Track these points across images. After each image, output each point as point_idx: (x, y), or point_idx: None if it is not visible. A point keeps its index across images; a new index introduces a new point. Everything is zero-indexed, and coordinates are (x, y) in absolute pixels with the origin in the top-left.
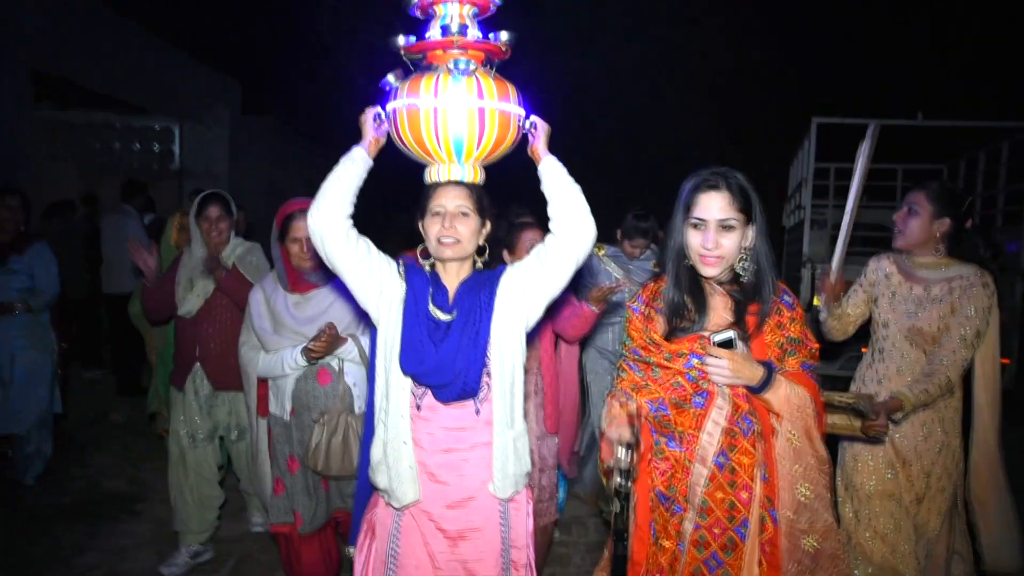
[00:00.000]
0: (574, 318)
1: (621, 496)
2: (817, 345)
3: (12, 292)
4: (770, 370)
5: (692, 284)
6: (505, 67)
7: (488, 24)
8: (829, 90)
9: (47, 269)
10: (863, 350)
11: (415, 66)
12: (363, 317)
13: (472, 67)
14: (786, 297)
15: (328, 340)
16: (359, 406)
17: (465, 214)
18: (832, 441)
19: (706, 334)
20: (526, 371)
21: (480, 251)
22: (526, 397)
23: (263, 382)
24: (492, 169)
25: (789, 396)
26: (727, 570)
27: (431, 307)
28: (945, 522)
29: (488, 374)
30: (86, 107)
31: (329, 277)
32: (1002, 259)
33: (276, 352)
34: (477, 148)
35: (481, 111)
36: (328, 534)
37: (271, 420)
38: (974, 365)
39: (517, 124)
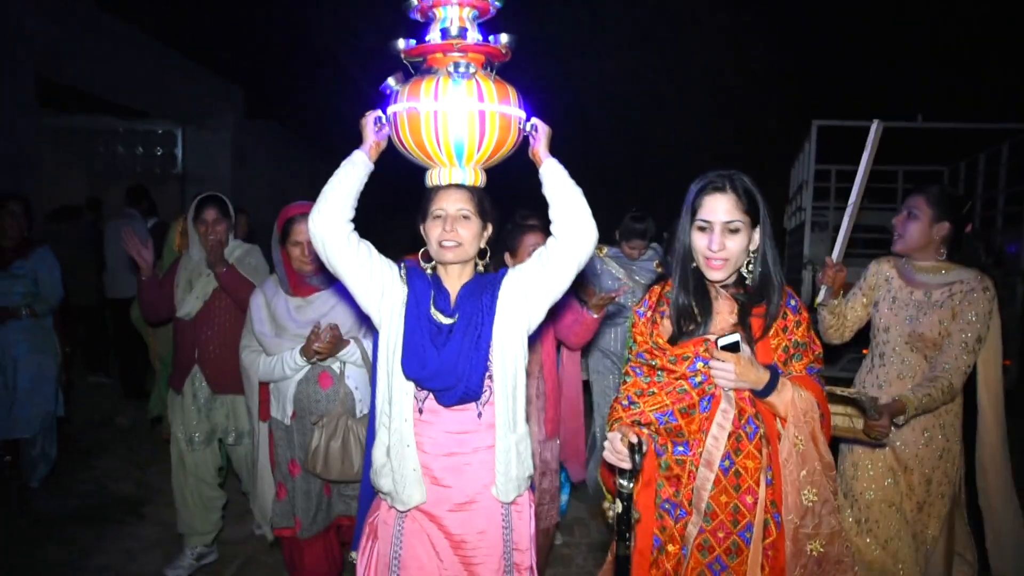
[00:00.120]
0: (576, 326)
1: (623, 497)
2: (822, 349)
3: (16, 297)
4: (775, 374)
5: (697, 287)
6: (506, 69)
7: (488, 27)
8: (829, 93)
9: (51, 273)
10: (864, 352)
11: (415, 69)
12: (365, 320)
13: (472, 70)
14: (791, 301)
15: (332, 340)
16: (361, 409)
17: (466, 217)
18: (832, 447)
19: (711, 338)
20: (528, 375)
21: (482, 254)
22: (528, 401)
23: (264, 386)
24: (494, 172)
25: (795, 400)
26: (731, 574)
27: (433, 310)
28: (944, 526)
29: (490, 377)
30: (89, 112)
31: (330, 280)
32: (1004, 263)
33: (277, 355)
34: (478, 151)
35: (481, 114)
36: (331, 537)
37: (272, 424)
38: (976, 369)
39: (518, 127)
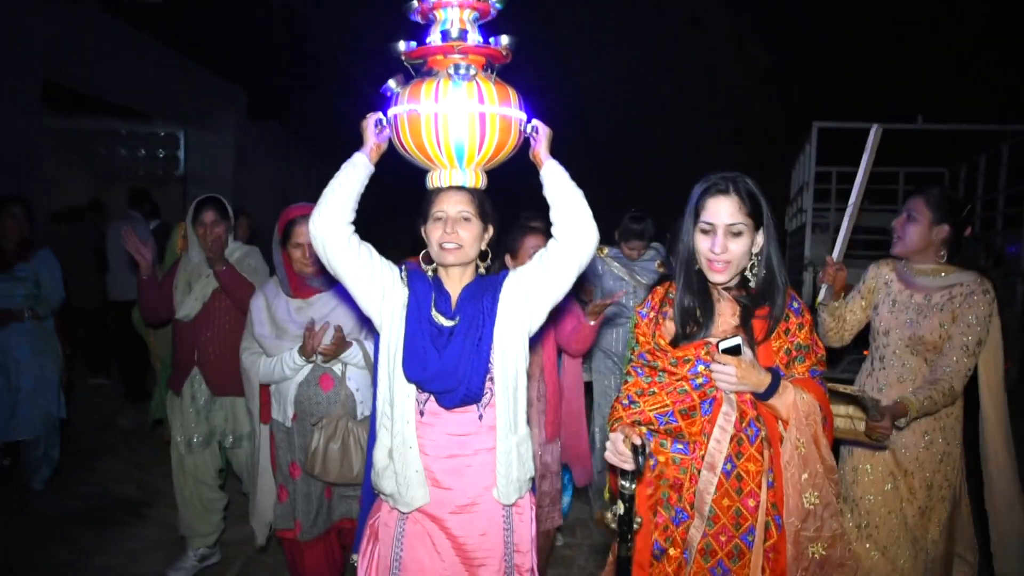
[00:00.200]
0: (575, 334)
1: (625, 498)
2: (825, 351)
3: (18, 299)
4: (777, 376)
5: (700, 289)
6: (507, 71)
7: (489, 29)
8: (830, 94)
9: (52, 275)
10: (864, 353)
11: (416, 71)
12: (366, 322)
13: (473, 72)
14: (794, 303)
15: (336, 342)
16: (362, 411)
17: (467, 219)
18: (832, 450)
19: (712, 340)
20: (528, 377)
21: (483, 256)
22: (528, 404)
23: (265, 388)
24: (495, 174)
25: (796, 403)
26: None
27: (434, 313)
28: (944, 530)
29: (491, 379)
30: (91, 113)
31: (331, 282)
32: (1004, 265)
33: (277, 356)
34: (478, 153)
35: (482, 116)
36: (332, 540)
37: (273, 426)
38: (978, 371)
39: (518, 128)
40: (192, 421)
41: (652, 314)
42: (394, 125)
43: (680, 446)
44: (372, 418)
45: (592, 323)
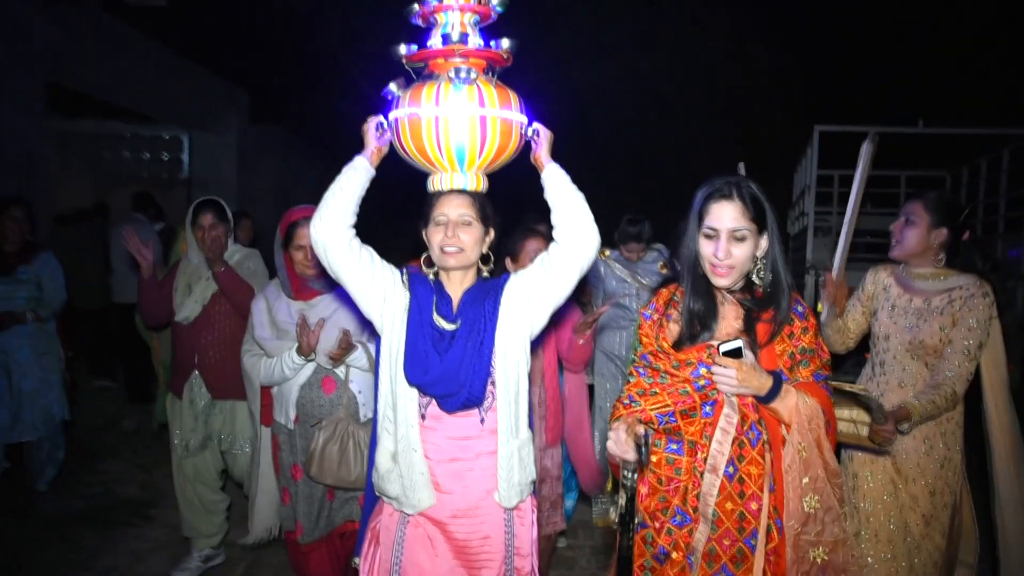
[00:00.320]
0: (570, 351)
1: (627, 489)
2: (829, 355)
3: (20, 301)
4: (779, 380)
5: (704, 292)
6: (509, 74)
7: (490, 32)
8: (832, 98)
9: (54, 278)
10: (866, 356)
11: (417, 75)
12: (368, 324)
13: (473, 75)
14: (798, 307)
15: (344, 346)
16: (364, 413)
17: (468, 223)
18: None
19: (714, 343)
20: (529, 381)
21: (485, 259)
22: (530, 408)
23: (267, 390)
24: (496, 177)
25: (799, 406)
26: None
27: (435, 316)
28: (948, 537)
29: (493, 383)
30: (95, 117)
31: (333, 284)
32: (1001, 268)
33: (277, 357)
34: (479, 156)
35: (483, 119)
36: (337, 543)
37: (276, 428)
38: (981, 375)
39: (519, 132)
40: (190, 424)
41: (656, 316)
42: (395, 128)
43: (674, 446)
44: (374, 421)
45: (581, 342)
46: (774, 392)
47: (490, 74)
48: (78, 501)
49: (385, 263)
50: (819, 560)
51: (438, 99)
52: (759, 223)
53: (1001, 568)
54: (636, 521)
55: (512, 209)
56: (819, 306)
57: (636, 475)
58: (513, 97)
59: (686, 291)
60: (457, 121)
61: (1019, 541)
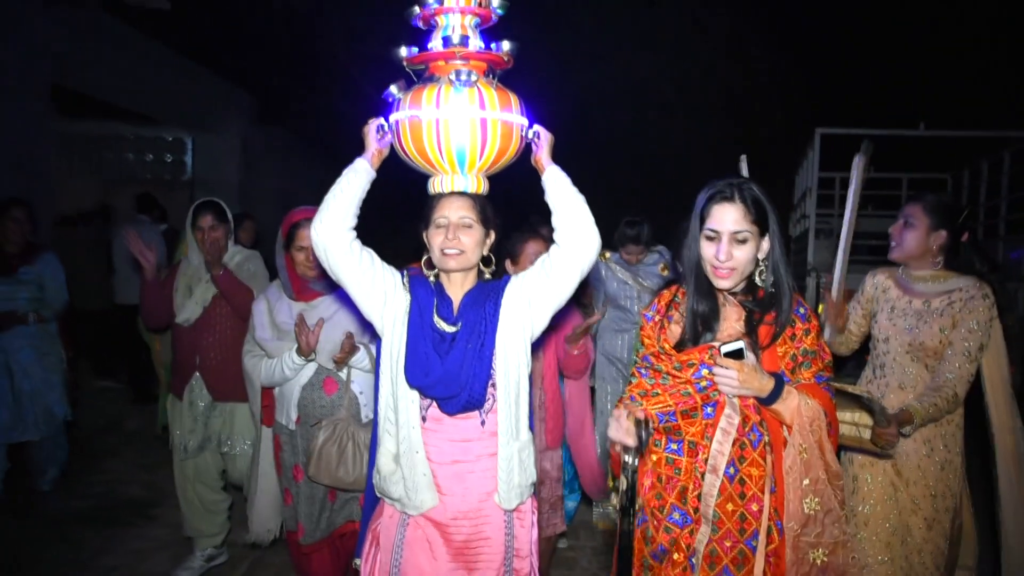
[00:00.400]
0: (566, 361)
1: (627, 474)
2: (831, 357)
3: (22, 302)
4: (780, 382)
5: (707, 294)
6: (510, 77)
7: (490, 34)
8: (833, 100)
9: (56, 279)
10: (867, 358)
11: (418, 77)
12: (369, 326)
13: (474, 78)
14: (800, 309)
15: (348, 348)
16: (366, 414)
17: (468, 225)
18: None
19: (716, 344)
20: (530, 383)
21: (487, 261)
22: (530, 410)
23: (268, 391)
24: (496, 179)
25: (800, 408)
26: None
27: (436, 318)
28: (948, 540)
29: (493, 385)
30: (98, 118)
31: (334, 286)
32: (1000, 270)
33: (278, 358)
34: (480, 159)
35: (483, 121)
36: (338, 545)
37: (278, 429)
38: (982, 377)
39: (520, 134)
40: (189, 426)
41: (657, 317)
42: (395, 131)
43: (674, 446)
44: (374, 423)
45: (576, 352)
46: (776, 394)
47: (491, 76)
48: (81, 501)
49: (385, 265)
50: (819, 562)
51: (439, 101)
52: (761, 225)
53: (1003, 570)
54: (637, 507)
55: (512, 211)
56: (820, 308)
57: (636, 461)
58: (514, 99)
59: (689, 292)
60: (458, 123)
61: (1020, 543)
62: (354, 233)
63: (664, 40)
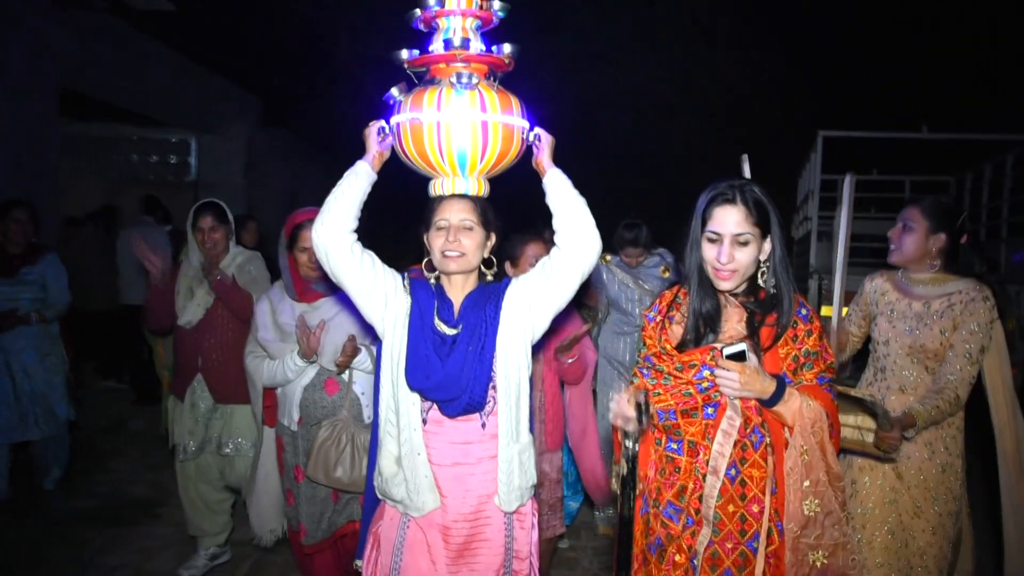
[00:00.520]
0: (563, 368)
1: (628, 458)
2: (834, 359)
3: (24, 302)
4: (782, 383)
5: (709, 295)
6: (511, 79)
7: (491, 37)
8: (835, 103)
9: (58, 279)
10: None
11: (419, 79)
12: (370, 327)
13: (475, 80)
14: (802, 310)
15: (351, 351)
16: (368, 415)
17: (469, 227)
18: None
19: (718, 346)
20: (530, 385)
21: (488, 264)
22: (530, 412)
23: (270, 392)
24: (497, 181)
25: (802, 409)
26: None
27: (436, 321)
28: (951, 543)
29: (494, 388)
30: (103, 120)
31: (336, 287)
32: (1000, 272)
33: (280, 359)
34: (481, 161)
35: (484, 124)
36: (340, 546)
37: (280, 430)
38: (984, 379)
39: (521, 136)
40: (189, 427)
41: (659, 318)
42: (397, 133)
43: (674, 445)
44: (374, 425)
45: (569, 361)
46: (777, 395)
47: (492, 79)
48: (85, 500)
49: (386, 267)
50: (818, 564)
51: (440, 104)
52: (763, 227)
53: (1004, 573)
54: (638, 492)
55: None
56: (822, 310)
57: (637, 445)
58: (515, 102)
59: (691, 293)
60: (459, 126)
61: (1021, 544)
62: (355, 235)
63: (665, 42)
